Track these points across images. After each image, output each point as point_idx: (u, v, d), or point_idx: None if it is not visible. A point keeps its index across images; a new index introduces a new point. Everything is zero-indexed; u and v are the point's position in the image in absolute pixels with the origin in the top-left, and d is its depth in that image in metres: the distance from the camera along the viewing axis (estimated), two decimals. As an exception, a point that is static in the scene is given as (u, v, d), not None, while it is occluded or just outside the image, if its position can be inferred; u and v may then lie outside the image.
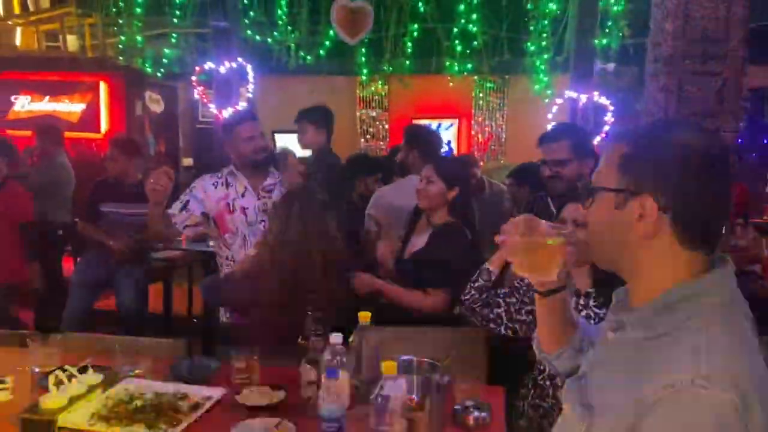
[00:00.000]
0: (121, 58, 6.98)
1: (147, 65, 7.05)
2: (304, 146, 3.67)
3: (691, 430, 0.86)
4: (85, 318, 4.19)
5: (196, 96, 6.18)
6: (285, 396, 1.84)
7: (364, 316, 1.80)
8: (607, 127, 5.82)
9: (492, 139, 7.16)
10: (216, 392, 1.87)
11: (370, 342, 1.81)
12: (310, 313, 1.95)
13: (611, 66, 6.56)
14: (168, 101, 8.30)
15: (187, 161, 8.77)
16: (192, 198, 2.77)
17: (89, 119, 7.24)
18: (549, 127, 5.76)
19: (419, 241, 2.61)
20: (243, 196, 2.78)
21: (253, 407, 1.79)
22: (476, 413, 1.77)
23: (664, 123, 1.05)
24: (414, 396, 1.57)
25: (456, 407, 1.78)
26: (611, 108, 5.75)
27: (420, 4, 6.44)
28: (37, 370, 2.03)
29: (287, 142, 6.81)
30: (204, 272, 4.99)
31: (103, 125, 7.30)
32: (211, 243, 4.66)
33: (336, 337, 1.69)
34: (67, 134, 6.09)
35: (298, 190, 2.47)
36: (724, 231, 0.99)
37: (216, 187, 2.77)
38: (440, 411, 1.67)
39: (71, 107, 7.27)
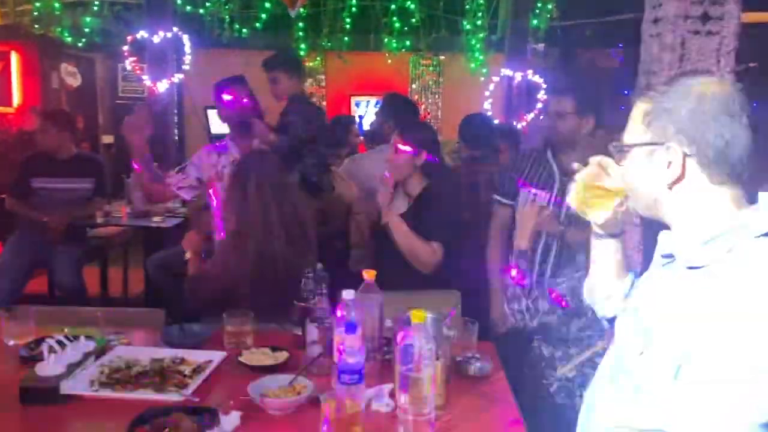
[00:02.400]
0: (36, 26, 6.46)
1: (65, 34, 6.58)
2: (278, 97, 3.51)
3: (749, 339, 0.94)
4: (16, 302, 3.92)
5: (128, 67, 5.84)
6: (288, 356, 1.83)
7: (370, 274, 1.81)
8: (540, 104, 6.07)
9: (428, 116, 7.27)
10: (216, 355, 1.83)
11: (375, 300, 1.83)
12: (310, 275, 1.94)
13: (541, 46, 6.83)
14: (86, 74, 7.79)
15: (107, 138, 8.29)
16: (189, 164, 2.87)
17: (0, 92, 6.68)
18: (487, 104, 5.94)
19: (398, 206, 2.63)
20: (233, 164, 2.78)
21: (258, 368, 1.77)
22: (477, 364, 1.84)
23: (679, 76, 1.14)
24: (430, 345, 1.60)
25: (458, 359, 1.84)
26: (544, 86, 6.00)
27: (358, -21, 6.41)
28: (12, 342, 1.90)
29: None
30: (144, 251, 4.78)
31: (16, 98, 6.76)
32: (155, 219, 4.49)
33: (348, 293, 1.70)
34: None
35: (249, 162, 2.38)
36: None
37: (210, 155, 2.86)
38: (449, 361, 1.73)
39: (-22, 79, 6.68)
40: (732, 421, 0.95)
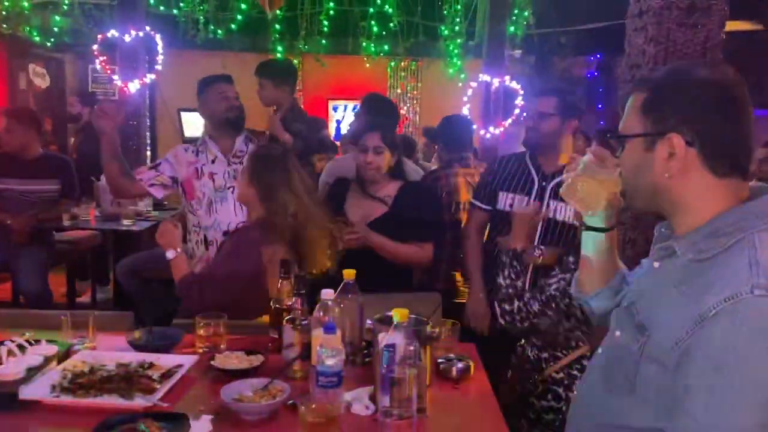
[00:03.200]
0: (5, 26, 6.28)
1: (34, 34, 6.40)
2: (264, 102, 3.48)
3: (755, 335, 0.91)
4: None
5: (98, 67, 5.70)
6: (264, 360, 1.75)
7: (349, 274, 1.75)
8: (517, 110, 6.09)
9: (407, 121, 7.24)
10: (187, 359, 1.74)
11: (355, 301, 1.77)
12: (285, 274, 1.87)
13: (518, 53, 6.86)
14: (55, 75, 7.60)
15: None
16: (164, 161, 2.78)
17: (-36, 93, 6.48)
18: (465, 109, 5.93)
19: (369, 209, 2.57)
20: (213, 162, 2.76)
21: (232, 372, 1.68)
22: (459, 365, 1.79)
23: (677, 66, 1.11)
24: (411, 347, 1.55)
25: (439, 360, 1.79)
26: (521, 92, 6.02)
27: (336, -19, 6.36)
28: (-32, 347, 1.79)
29: (194, 120, 6.48)
30: (114, 255, 4.64)
31: (-19, 99, 6.57)
32: (125, 222, 4.36)
33: (327, 293, 1.63)
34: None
35: (275, 151, 2.33)
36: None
37: (187, 152, 2.78)
38: (431, 362, 1.67)
39: (-59, 79, 6.47)
40: (734, 417, 0.91)
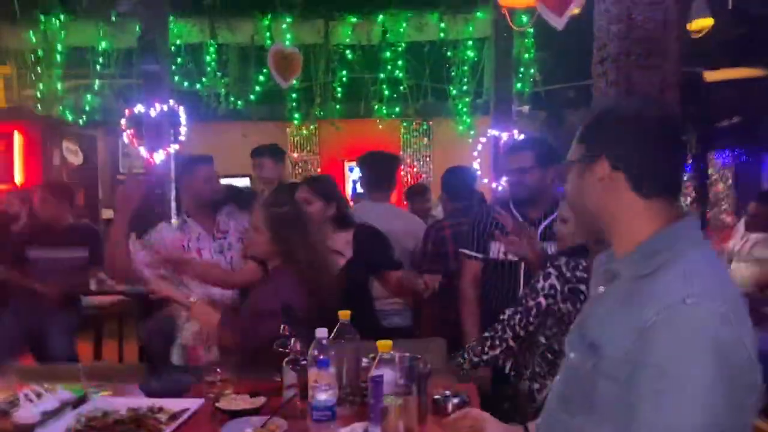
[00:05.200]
0: (39, 107, 6.73)
1: (67, 113, 6.84)
2: (264, 181, 3.74)
3: (690, 343, 0.98)
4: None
5: (125, 140, 6.03)
6: (265, 401, 1.83)
7: (344, 315, 1.84)
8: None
9: (421, 178, 7.42)
10: (194, 403, 1.83)
11: (351, 340, 1.85)
12: (286, 318, 1.96)
13: (526, 108, 7.05)
14: (87, 151, 8.01)
15: (107, 213, 8.43)
16: (152, 239, 2.77)
17: (3, 170, 6.87)
18: (475, 164, 6.08)
19: None
20: (198, 239, 2.81)
21: (235, 413, 1.76)
22: (455, 400, 1.83)
23: (613, 101, 1.24)
24: (402, 380, 1.62)
25: (436, 397, 1.84)
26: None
27: (347, 52, 6.71)
28: (-7, 397, 1.91)
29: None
30: (137, 320, 4.78)
31: (18, 176, 6.95)
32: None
33: (321, 332, 1.72)
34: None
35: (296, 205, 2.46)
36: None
37: (171, 231, 2.81)
38: (424, 396, 1.73)
39: (-18, 159, 6.89)
40: (682, 419, 0.96)
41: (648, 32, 1.51)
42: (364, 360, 1.85)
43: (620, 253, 1.16)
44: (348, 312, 1.85)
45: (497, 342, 2.13)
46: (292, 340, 1.88)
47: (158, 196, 5.55)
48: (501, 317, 2.15)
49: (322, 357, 1.62)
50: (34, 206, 4.36)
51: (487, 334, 2.17)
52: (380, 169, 3.28)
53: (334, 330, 1.83)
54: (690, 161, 8.80)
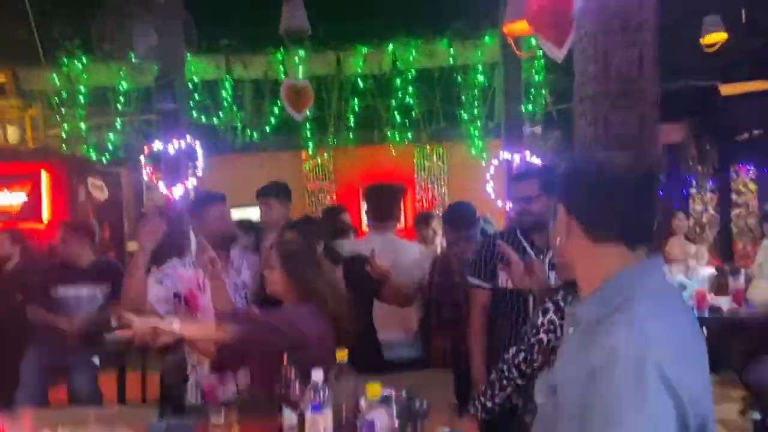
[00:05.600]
0: (63, 146, 6.98)
1: (90, 152, 7.07)
2: (271, 222, 3.81)
3: (633, 386, 1.03)
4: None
5: (145, 176, 6.22)
6: (268, 443, 1.87)
7: (341, 355, 1.87)
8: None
9: (436, 203, 7.46)
10: (198, 447, 1.87)
11: (349, 380, 1.88)
12: (288, 360, 2.00)
13: (539, 129, 7.07)
14: (112, 187, 8.25)
15: (132, 246, 8.62)
16: (165, 276, 2.78)
17: (31, 209, 7.10)
18: (488, 187, 6.10)
19: None
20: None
21: (238, 456, 1.81)
22: (452, 440, 1.85)
23: (579, 152, 1.32)
24: (396, 423, 1.64)
25: (433, 437, 1.86)
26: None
27: (359, 81, 6.83)
28: (8, 444, 1.98)
29: (237, 217, 6.89)
30: (161, 353, 4.87)
31: (45, 214, 7.18)
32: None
33: (317, 374, 1.76)
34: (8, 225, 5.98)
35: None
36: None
37: (186, 267, 2.81)
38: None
39: (11, 198, 7.13)
40: None
41: (624, 73, 1.55)
42: (362, 402, 1.89)
43: (582, 297, 1.21)
44: (345, 352, 1.88)
45: (505, 383, 2.13)
46: (294, 382, 1.92)
47: (179, 230, 5.69)
48: (505, 356, 2.15)
49: (317, 401, 1.66)
50: (57, 245, 4.51)
51: (493, 377, 2.17)
52: (382, 201, 3.34)
53: (333, 370, 1.87)
54: (712, 175, 8.69)
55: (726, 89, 7.25)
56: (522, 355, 2.08)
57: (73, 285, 4.28)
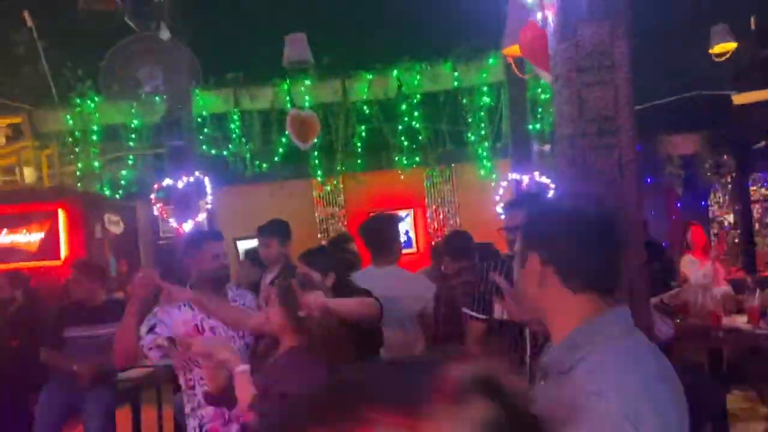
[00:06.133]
0: (79, 184, 7.12)
1: (105, 188, 7.20)
2: (270, 260, 3.84)
3: None
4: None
5: (156, 213, 6.30)
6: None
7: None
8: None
9: (447, 225, 7.43)
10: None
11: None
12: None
13: (548, 147, 7.01)
14: (127, 221, 8.37)
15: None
16: (158, 321, 2.70)
17: (48, 247, 7.22)
18: (499, 208, 6.06)
19: None
20: (209, 316, 2.73)
21: None
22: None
23: (550, 200, 1.30)
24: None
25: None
26: (552, 186, 6.11)
27: (365, 107, 6.87)
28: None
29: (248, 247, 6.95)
30: (175, 390, 4.88)
31: (63, 252, 7.29)
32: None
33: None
34: (26, 264, 6.10)
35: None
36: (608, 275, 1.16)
37: (180, 310, 2.74)
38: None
39: (30, 237, 7.26)
40: None
41: (599, 112, 1.53)
42: None
43: (553, 345, 1.19)
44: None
45: None
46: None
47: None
48: None
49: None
50: (69, 285, 4.58)
51: None
52: (379, 234, 3.31)
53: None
54: (729, 185, 8.54)
55: (739, 98, 7.14)
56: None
57: (85, 325, 4.33)
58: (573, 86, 1.58)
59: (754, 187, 8.55)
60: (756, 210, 8.59)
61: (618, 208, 1.50)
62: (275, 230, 3.84)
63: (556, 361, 1.15)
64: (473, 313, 2.70)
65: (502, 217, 5.88)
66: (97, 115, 6.91)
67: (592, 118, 1.56)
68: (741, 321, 3.93)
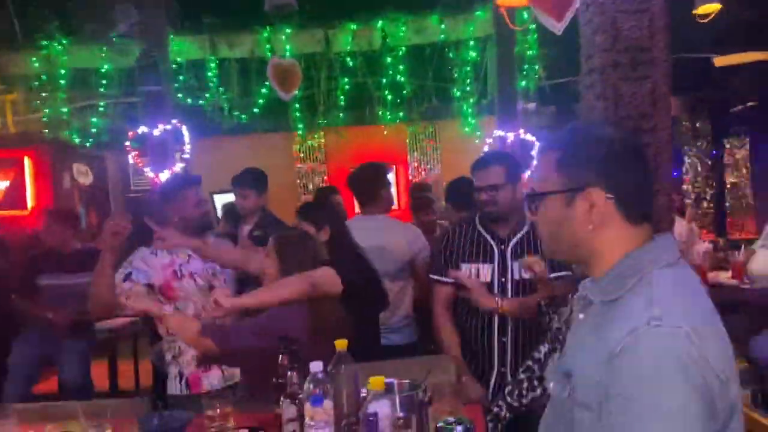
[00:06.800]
0: (46, 131, 6.80)
1: (74, 136, 6.90)
2: (246, 211, 3.74)
3: (655, 365, 0.95)
4: (28, 400, 3.92)
5: (131, 161, 6.07)
6: (266, 436, 1.80)
7: (341, 344, 1.80)
8: (534, 161, 6.13)
9: (429, 182, 7.36)
10: (192, 441, 1.80)
11: (349, 370, 1.81)
12: (285, 348, 1.93)
13: (533, 105, 6.96)
14: (97, 172, 8.09)
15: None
16: (134, 269, 2.60)
17: (14, 196, 6.96)
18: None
19: None
20: (188, 262, 2.69)
21: (235, 450, 1.74)
22: (459, 428, 1.78)
23: (580, 126, 1.21)
24: (399, 414, 1.58)
25: (438, 425, 1.79)
26: (537, 143, 6.08)
27: (348, 59, 6.68)
28: (-7, 442, 1.90)
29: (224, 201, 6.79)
30: (151, 341, 4.79)
31: (30, 201, 7.03)
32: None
33: (316, 366, 1.68)
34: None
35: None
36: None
37: (157, 255, 2.64)
38: (426, 427, 1.68)
39: (-6, 185, 6.98)
40: None
41: (634, 42, 1.46)
42: (363, 391, 1.81)
43: (595, 278, 1.14)
44: (345, 341, 1.81)
45: (535, 382, 2.05)
46: (290, 372, 1.85)
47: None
48: (535, 355, 2.08)
49: (316, 393, 1.59)
50: (40, 233, 4.40)
51: (521, 376, 2.10)
52: (366, 183, 3.23)
53: (333, 360, 1.79)
54: (706, 149, 8.66)
55: (720, 61, 7.17)
56: (557, 355, 2.01)
57: (58, 274, 4.18)
58: (607, 14, 1.49)
59: (729, 151, 8.68)
60: (728, 174, 8.74)
61: (648, 144, 1.45)
62: (252, 180, 3.70)
63: (602, 291, 1.10)
64: (440, 278, 2.63)
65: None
66: (65, 58, 6.56)
67: (626, 49, 1.48)
68: (724, 277, 4.00)
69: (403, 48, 6.56)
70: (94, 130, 6.90)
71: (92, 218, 8.06)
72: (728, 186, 8.71)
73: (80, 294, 4.15)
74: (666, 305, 0.99)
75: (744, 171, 8.67)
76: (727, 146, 8.71)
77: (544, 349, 2.06)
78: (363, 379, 1.80)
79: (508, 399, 2.09)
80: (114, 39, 6.23)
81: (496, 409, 2.11)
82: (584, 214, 1.10)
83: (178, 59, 6.56)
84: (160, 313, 2.26)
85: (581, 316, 1.17)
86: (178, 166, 5.67)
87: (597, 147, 1.11)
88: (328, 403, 1.59)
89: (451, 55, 6.57)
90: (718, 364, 0.97)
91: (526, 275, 2.42)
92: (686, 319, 0.98)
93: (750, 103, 8.18)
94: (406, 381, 1.78)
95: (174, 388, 2.66)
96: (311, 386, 1.67)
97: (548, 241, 1.18)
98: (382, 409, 1.51)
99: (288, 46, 6.43)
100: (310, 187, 7.34)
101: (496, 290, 2.47)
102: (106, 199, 8.47)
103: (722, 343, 1.01)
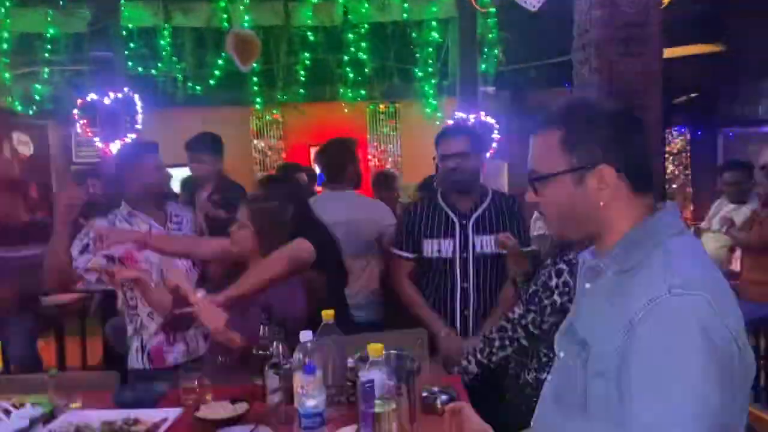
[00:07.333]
0: (-14, 97, 6.42)
1: (16, 104, 6.52)
2: (203, 178, 3.61)
3: (677, 331, 0.97)
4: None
5: (78, 131, 5.78)
6: (248, 407, 1.77)
7: (327, 314, 1.78)
8: (494, 144, 6.22)
9: (388, 162, 7.36)
10: (172, 412, 1.75)
11: (336, 341, 1.79)
12: (267, 320, 1.89)
13: (492, 89, 7.03)
14: (39, 142, 7.70)
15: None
16: (91, 241, 2.50)
17: (-51, 165, 6.53)
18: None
19: None
20: (150, 231, 2.57)
21: (217, 421, 1.70)
22: (444, 397, 1.80)
23: (579, 101, 1.22)
24: (391, 381, 1.58)
25: (423, 394, 1.81)
26: (497, 126, 6.16)
27: (309, 34, 6.55)
28: (-47, 417, 1.79)
29: (177, 176, 6.57)
30: (102, 316, 4.63)
31: (-34, 171, 6.61)
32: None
33: (306, 335, 1.66)
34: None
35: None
36: None
37: (116, 226, 2.55)
38: (415, 396, 1.69)
39: (-74, 153, 6.53)
40: (675, 412, 0.95)
41: (631, 17, 1.48)
42: (350, 360, 1.81)
43: (604, 249, 1.15)
44: (332, 312, 1.79)
45: (507, 342, 2.10)
46: (274, 342, 1.82)
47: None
48: (510, 316, 2.12)
49: (308, 362, 1.57)
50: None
51: (493, 335, 2.13)
52: (334, 158, 3.19)
53: (318, 330, 1.77)
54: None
55: (669, 52, 7.42)
56: (531, 316, 2.05)
57: (4, 247, 3.97)
58: (605, -11, 1.51)
59: (671, 140, 9.02)
60: (669, 164, 9.09)
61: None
62: (207, 144, 3.55)
63: (615, 261, 1.10)
64: (402, 253, 2.65)
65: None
66: (7, 21, 6.16)
67: (623, 24, 1.50)
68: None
69: (366, 25, 6.49)
70: (37, 98, 6.54)
71: (33, 190, 7.66)
72: (668, 175, 9.07)
73: (27, 268, 4.01)
74: (685, 274, 1.01)
75: (684, 160, 9.06)
76: (669, 136, 9.06)
77: (518, 310, 2.10)
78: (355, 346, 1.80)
79: (479, 356, 2.13)
80: (61, 2, 5.91)
81: (464, 363, 2.15)
82: (595, 192, 1.10)
83: (129, 25, 6.28)
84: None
85: (588, 285, 1.18)
86: (131, 136, 5.45)
87: (603, 123, 1.11)
88: (318, 372, 1.57)
89: (413, 35, 6.55)
90: (736, 330, 0.99)
91: (499, 251, 2.47)
92: (705, 287, 1.00)
93: (692, 95, 8.53)
94: (393, 351, 1.78)
95: (135, 361, 2.58)
96: (301, 356, 1.64)
97: (557, 222, 1.18)
98: (377, 377, 1.50)
99: (246, 17, 6.24)
100: (267, 162, 7.20)
101: (457, 265, 2.51)
102: (47, 171, 8.08)
103: (738, 312, 1.03)
